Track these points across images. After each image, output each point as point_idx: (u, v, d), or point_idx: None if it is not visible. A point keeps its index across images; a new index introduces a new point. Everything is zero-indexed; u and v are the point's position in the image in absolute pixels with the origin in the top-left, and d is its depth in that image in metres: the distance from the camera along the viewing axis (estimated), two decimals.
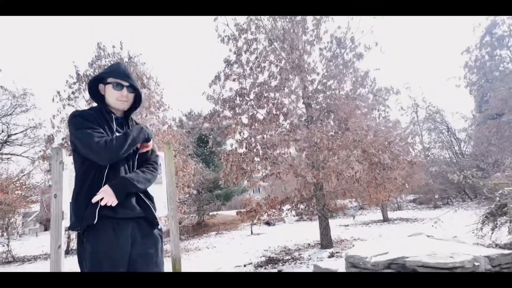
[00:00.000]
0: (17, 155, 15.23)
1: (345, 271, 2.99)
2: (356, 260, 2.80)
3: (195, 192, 10.25)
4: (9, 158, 15.38)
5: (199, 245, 10.71)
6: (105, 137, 1.59)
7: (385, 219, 12.28)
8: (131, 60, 9.27)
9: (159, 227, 1.80)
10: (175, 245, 5.80)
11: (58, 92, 8.06)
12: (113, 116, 1.75)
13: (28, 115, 14.10)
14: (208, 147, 18.64)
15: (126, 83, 1.72)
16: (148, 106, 8.92)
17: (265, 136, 5.45)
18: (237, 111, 5.69)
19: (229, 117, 5.70)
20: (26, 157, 15.35)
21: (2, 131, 12.73)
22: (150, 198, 1.80)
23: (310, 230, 11.32)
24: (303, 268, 4.75)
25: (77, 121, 1.61)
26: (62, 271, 5.64)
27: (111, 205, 1.61)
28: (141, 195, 1.75)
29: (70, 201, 1.66)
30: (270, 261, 5.68)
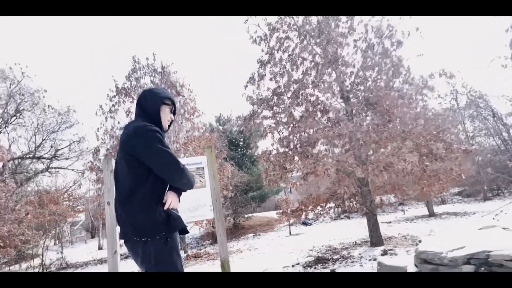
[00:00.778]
0: (64, 168, 16.28)
1: (415, 268, 2.81)
2: (430, 256, 2.62)
3: (232, 194, 10.40)
4: (57, 171, 16.48)
5: (239, 247, 10.77)
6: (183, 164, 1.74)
7: (431, 214, 11.62)
8: (164, 70, 9.55)
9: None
10: (223, 247, 5.81)
11: (101, 106, 8.51)
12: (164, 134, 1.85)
13: (71, 130, 15.06)
14: (239, 150, 18.80)
15: (173, 108, 1.92)
16: (183, 113, 9.14)
17: (304, 133, 5.34)
18: (276, 110, 5.64)
19: (269, 117, 5.65)
20: (72, 169, 16.39)
21: (52, 147, 13.65)
22: None
23: (350, 228, 11.00)
24: (356, 267, 4.57)
25: (157, 136, 1.68)
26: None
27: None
28: None
29: (134, 210, 1.63)
30: (319, 260, 5.54)
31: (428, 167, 4.51)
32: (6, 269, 12.25)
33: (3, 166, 9.08)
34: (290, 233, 12.68)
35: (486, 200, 15.04)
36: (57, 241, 18.04)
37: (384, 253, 5.02)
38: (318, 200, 5.50)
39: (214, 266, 7.07)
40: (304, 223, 15.93)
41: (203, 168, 6.01)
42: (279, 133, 5.76)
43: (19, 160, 14.16)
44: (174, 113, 1.95)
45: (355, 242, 7.09)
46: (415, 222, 10.49)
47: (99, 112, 8.54)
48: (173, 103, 1.90)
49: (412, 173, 4.49)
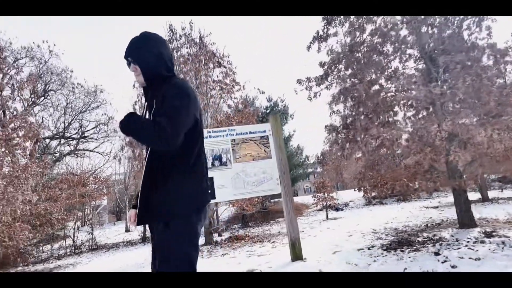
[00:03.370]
0: (90, 150, 16.01)
1: None
2: None
3: None
4: (83, 154, 16.24)
5: (279, 230, 10.31)
6: None
7: (485, 199, 10.75)
8: (202, 40, 8.87)
9: None
10: (293, 225, 5.14)
11: None
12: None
13: (98, 111, 14.68)
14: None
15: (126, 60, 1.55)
16: (224, 86, 8.52)
17: (387, 95, 4.59)
18: (354, 68, 4.88)
19: (352, 74, 4.89)
20: (98, 152, 16.11)
21: (81, 127, 13.30)
22: None
23: (390, 213, 10.33)
24: (463, 250, 3.89)
25: None
26: None
27: None
28: None
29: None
30: (400, 243, 4.89)
31: None
32: (39, 249, 12.15)
33: (35, 142, 8.69)
34: (327, 217, 12.11)
35: None
36: (84, 223, 18.05)
37: (489, 235, 4.31)
38: (403, 174, 4.81)
39: (264, 248, 6.52)
40: (336, 209, 15.40)
41: (267, 137, 5.35)
42: (352, 98, 5.03)
43: (47, 140, 13.91)
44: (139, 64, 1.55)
45: (427, 225, 6.40)
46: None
47: (137, 85, 7.98)
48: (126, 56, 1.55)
49: None
